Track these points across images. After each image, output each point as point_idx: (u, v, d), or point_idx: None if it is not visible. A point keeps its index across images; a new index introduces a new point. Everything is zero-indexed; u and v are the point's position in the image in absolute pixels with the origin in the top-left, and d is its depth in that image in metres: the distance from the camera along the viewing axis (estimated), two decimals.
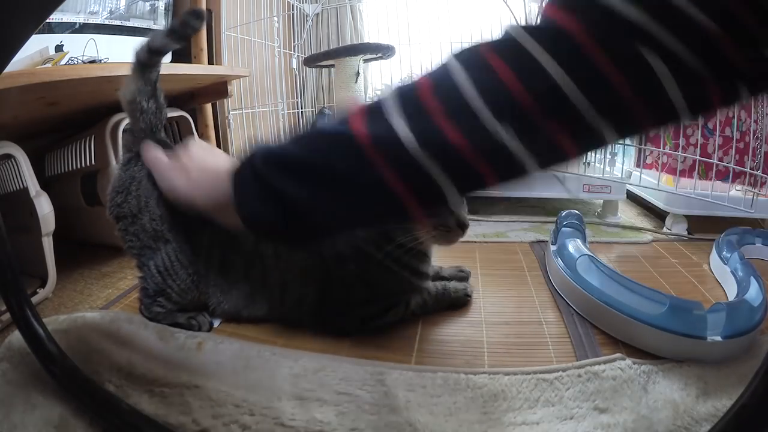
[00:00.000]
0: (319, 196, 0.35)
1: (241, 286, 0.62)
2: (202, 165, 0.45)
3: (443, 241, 0.58)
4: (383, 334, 0.61)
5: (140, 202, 0.59)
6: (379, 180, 0.33)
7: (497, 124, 0.30)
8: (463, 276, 0.76)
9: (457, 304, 0.67)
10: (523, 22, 0.32)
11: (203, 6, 1.27)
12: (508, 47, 0.31)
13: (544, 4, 0.34)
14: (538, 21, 0.32)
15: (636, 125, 0.32)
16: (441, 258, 0.80)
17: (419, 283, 0.63)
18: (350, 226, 0.40)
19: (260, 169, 0.37)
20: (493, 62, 0.31)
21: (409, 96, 0.33)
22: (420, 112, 0.32)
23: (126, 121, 0.88)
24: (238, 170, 0.39)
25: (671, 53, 0.28)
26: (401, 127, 0.32)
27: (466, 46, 0.34)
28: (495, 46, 0.32)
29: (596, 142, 0.32)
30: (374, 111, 0.33)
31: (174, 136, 1.12)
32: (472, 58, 0.32)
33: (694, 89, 0.30)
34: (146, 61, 0.58)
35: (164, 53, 0.58)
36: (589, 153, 0.32)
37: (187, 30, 0.56)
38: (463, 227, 0.57)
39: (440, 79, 0.33)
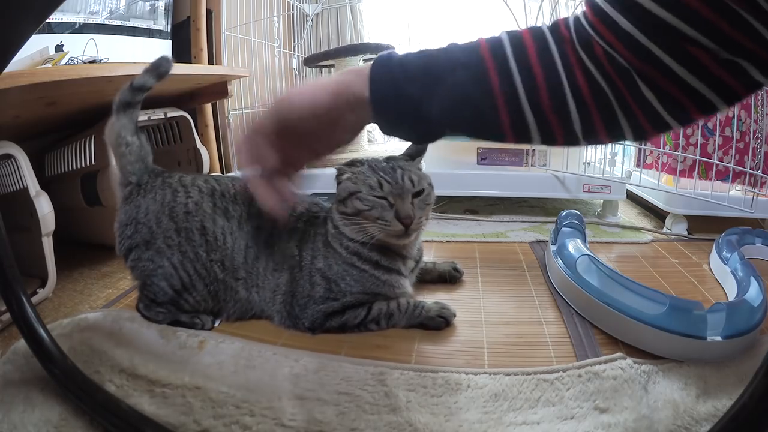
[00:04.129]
0: (445, 101, 0.40)
1: (242, 281, 0.62)
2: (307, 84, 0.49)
3: (387, 234, 0.57)
4: (383, 334, 0.61)
5: (151, 227, 0.59)
6: (493, 101, 0.39)
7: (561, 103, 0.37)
8: (456, 275, 0.77)
9: (430, 325, 0.61)
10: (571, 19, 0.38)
11: (203, 7, 1.27)
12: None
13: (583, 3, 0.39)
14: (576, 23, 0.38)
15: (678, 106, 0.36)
16: (441, 257, 0.81)
17: (386, 278, 0.61)
18: (457, 127, 0.44)
19: (398, 76, 0.41)
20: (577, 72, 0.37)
21: (520, 53, 0.39)
22: (527, 72, 0.38)
23: None
24: (374, 72, 0.42)
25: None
26: (517, 78, 0.38)
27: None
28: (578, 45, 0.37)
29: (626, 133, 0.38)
30: (498, 54, 0.39)
31: (174, 136, 1.12)
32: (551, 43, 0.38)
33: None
34: (130, 99, 0.61)
35: (145, 90, 0.61)
36: (570, 144, 0.42)
37: (161, 69, 0.62)
38: (400, 218, 0.56)
39: (541, 43, 0.39)
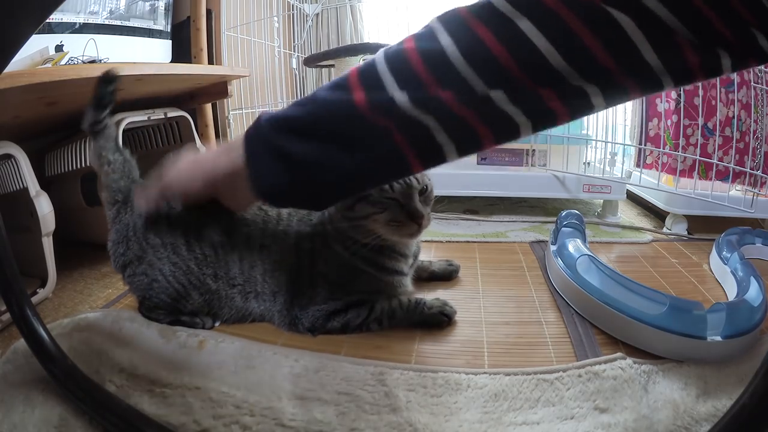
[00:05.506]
0: (325, 153, 0.37)
1: (239, 288, 0.62)
2: (193, 157, 0.48)
3: (400, 235, 0.57)
4: (383, 334, 0.61)
5: (141, 243, 0.59)
6: (382, 136, 0.35)
7: (490, 91, 0.32)
8: (452, 269, 0.77)
9: (432, 322, 0.62)
10: None
11: (203, 7, 1.27)
12: (488, 13, 0.32)
13: None
14: None
15: (619, 89, 0.33)
16: (441, 257, 0.80)
17: (388, 279, 0.62)
18: (354, 182, 0.41)
19: (267, 133, 0.39)
20: (478, 30, 0.32)
21: (401, 65, 0.35)
22: (415, 84, 0.34)
23: (126, 121, 0.88)
24: (248, 134, 0.41)
25: (643, 11, 0.29)
26: (400, 97, 0.34)
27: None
28: (477, 12, 0.33)
29: (585, 105, 0.34)
30: (372, 80, 0.35)
31: (174, 136, 1.12)
32: (457, 23, 0.34)
33: (670, 52, 0.30)
34: (95, 118, 0.61)
35: (102, 121, 0.62)
36: (580, 115, 0.36)
37: (104, 97, 0.60)
38: (414, 218, 0.56)
39: (428, 48, 0.34)
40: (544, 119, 0.35)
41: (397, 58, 0.35)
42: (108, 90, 0.60)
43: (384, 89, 0.35)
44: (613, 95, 0.34)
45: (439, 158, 0.37)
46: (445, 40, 0.33)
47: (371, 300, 0.61)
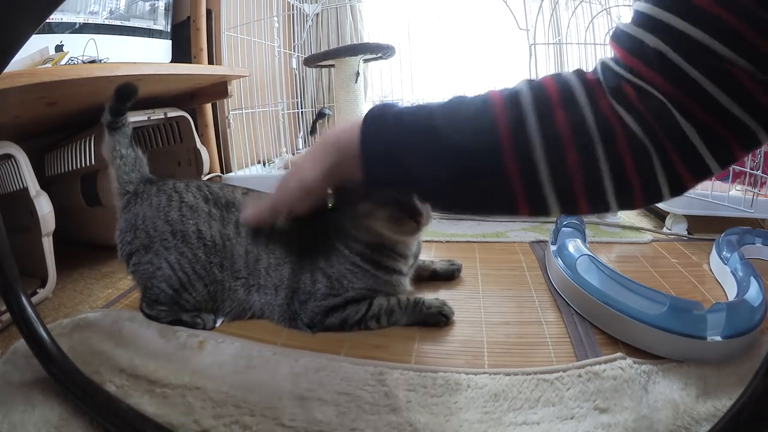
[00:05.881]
0: (444, 176, 0.36)
1: (243, 281, 0.62)
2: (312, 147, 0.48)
3: (400, 233, 0.58)
4: (383, 334, 0.61)
5: (149, 231, 0.60)
6: (501, 168, 0.34)
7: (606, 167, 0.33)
8: (454, 268, 0.77)
9: (430, 321, 0.62)
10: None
11: (203, 7, 1.27)
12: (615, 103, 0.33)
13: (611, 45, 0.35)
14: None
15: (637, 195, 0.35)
16: (441, 257, 0.80)
17: (387, 278, 0.62)
18: (454, 207, 0.41)
19: (388, 128, 0.38)
20: (613, 123, 0.32)
21: (543, 110, 0.34)
22: (551, 135, 0.33)
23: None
24: (368, 119, 0.40)
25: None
26: (537, 145, 0.33)
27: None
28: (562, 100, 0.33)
29: (605, 207, 0.35)
30: (516, 114, 0.34)
31: (174, 136, 1.12)
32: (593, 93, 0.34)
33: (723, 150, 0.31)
34: (112, 126, 0.64)
35: (119, 121, 0.65)
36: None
37: (121, 108, 0.64)
38: (413, 215, 0.56)
39: (569, 99, 0.34)
40: (571, 209, 0.36)
41: (541, 99, 0.34)
42: (125, 105, 0.63)
43: (528, 139, 0.33)
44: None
45: (542, 214, 0.36)
46: (585, 106, 0.33)
47: (369, 297, 0.61)
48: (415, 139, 0.37)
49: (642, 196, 0.34)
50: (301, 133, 1.75)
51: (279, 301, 0.62)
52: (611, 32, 0.35)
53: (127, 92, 0.62)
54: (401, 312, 0.62)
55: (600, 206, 0.35)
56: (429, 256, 0.90)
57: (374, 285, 0.62)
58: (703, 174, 0.33)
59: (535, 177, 0.34)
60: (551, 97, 0.34)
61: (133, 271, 0.62)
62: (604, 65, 0.34)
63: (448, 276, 0.77)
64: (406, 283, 0.65)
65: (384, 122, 0.39)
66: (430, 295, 0.67)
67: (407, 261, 0.65)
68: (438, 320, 0.62)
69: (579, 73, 0.35)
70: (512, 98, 0.35)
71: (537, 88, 0.35)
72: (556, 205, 0.34)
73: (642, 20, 0.31)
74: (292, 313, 0.61)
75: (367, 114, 0.40)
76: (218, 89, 1.18)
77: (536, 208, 0.35)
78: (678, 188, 0.34)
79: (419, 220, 0.56)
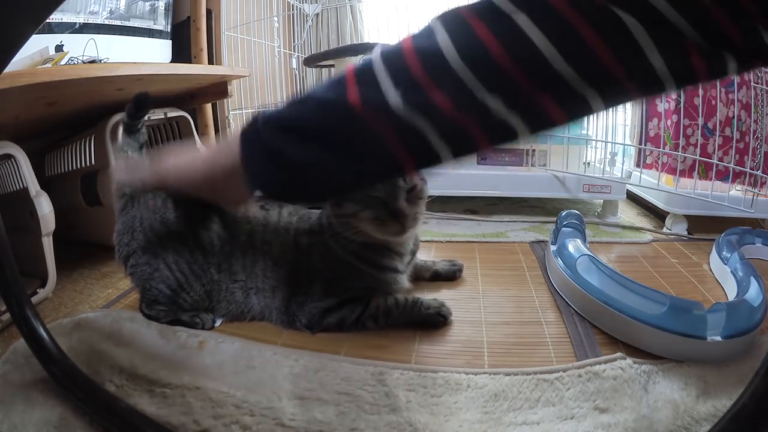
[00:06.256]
0: (317, 154, 0.37)
1: (240, 283, 0.62)
2: (191, 155, 0.49)
3: (384, 233, 0.57)
4: (383, 334, 0.61)
5: (146, 232, 0.61)
6: (376, 137, 0.34)
7: (486, 93, 0.31)
8: (455, 269, 0.77)
9: (429, 322, 0.62)
10: None
11: (203, 7, 1.27)
12: (489, 11, 0.31)
13: None
14: None
15: (621, 92, 0.32)
16: (441, 258, 0.80)
17: (383, 277, 0.62)
18: (345, 182, 0.40)
19: (261, 132, 0.39)
20: (478, 29, 0.31)
21: (397, 64, 0.33)
22: (411, 84, 0.32)
23: None
24: (243, 132, 0.41)
25: (652, 12, 0.28)
26: (394, 97, 0.33)
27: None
28: (477, 11, 0.32)
29: (584, 110, 0.32)
30: (367, 79, 0.34)
31: (174, 136, 1.12)
32: (456, 22, 0.32)
33: (676, 55, 0.29)
34: (128, 129, 0.67)
35: (135, 125, 0.67)
36: (578, 119, 0.34)
37: (137, 116, 0.66)
38: (397, 217, 0.55)
39: (426, 47, 0.33)
40: (542, 125, 0.34)
41: (394, 57, 0.34)
42: (141, 113, 0.66)
43: (379, 89, 0.33)
44: (614, 99, 0.33)
45: (433, 162, 0.36)
46: (443, 39, 0.32)
47: (366, 296, 0.61)
48: (284, 126, 0.38)
49: (633, 86, 0.31)
50: None
51: (277, 303, 0.62)
52: None
53: (143, 101, 0.65)
54: (398, 312, 0.61)
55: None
56: (429, 256, 0.90)
57: (370, 284, 0.62)
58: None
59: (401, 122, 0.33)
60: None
61: (131, 272, 0.62)
62: None
63: (449, 276, 0.77)
64: (404, 280, 0.65)
65: (255, 126, 0.40)
66: (431, 295, 0.67)
67: (403, 259, 0.65)
68: (436, 321, 0.62)
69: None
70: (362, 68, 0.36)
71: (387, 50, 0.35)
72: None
73: None
74: (290, 316, 0.61)
75: (240, 134, 0.41)
76: (218, 89, 1.18)
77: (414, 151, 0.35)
78: (687, 73, 0.31)
79: (403, 222, 0.56)
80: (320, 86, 0.38)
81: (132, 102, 0.65)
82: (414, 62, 0.33)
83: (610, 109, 0.34)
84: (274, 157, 0.39)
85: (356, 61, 1.39)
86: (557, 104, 0.32)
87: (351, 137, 0.36)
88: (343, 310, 0.60)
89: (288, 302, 0.61)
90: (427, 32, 0.33)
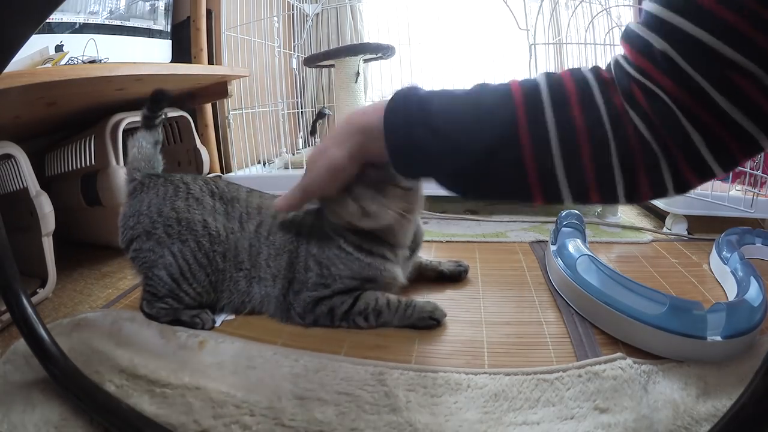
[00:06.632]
0: (461, 159, 0.38)
1: (245, 272, 0.64)
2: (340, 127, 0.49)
3: (350, 216, 0.56)
4: (383, 334, 0.61)
5: (153, 217, 0.61)
6: (519, 161, 0.36)
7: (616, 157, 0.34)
8: (461, 270, 0.77)
9: (420, 325, 0.61)
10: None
11: (203, 7, 1.27)
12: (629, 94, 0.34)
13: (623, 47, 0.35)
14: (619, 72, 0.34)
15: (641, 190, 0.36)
16: (441, 257, 0.80)
17: (369, 261, 0.61)
18: (471, 189, 0.42)
19: (412, 114, 0.39)
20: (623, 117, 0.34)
21: (558, 100, 0.35)
22: (567, 129, 0.34)
23: (126, 121, 0.88)
24: (393, 101, 0.41)
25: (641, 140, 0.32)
26: (553, 134, 0.35)
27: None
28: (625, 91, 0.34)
29: (615, 197, 0.36)
30: (533, 103, 0.36)
31: (174, 136, 1.12)
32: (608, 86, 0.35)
33: (657, 174, 0.34)
34: (146, 123, 0.68)
35: (153, 120, 0.68)
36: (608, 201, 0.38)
37: (155, 113, 0.68)
38: (355, 198, 0.54)
39: (582, 92, 0.35)
40: (583, 199, 0.37)
41: (557, 90, 0.36)
42: (159, 108, 0.68)
43: (540, 113, 0.35)
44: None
45: (557, 201, 0.38)
46: (598, 95, 0.35)
47: (358, 289, 0.62)
48: (438, 126, 0.38)
49: (649, 192, 0.35)
50: (301, 133, 1.75)
51: (276, 291, 0.63)
52: (623, 31, 0.36)
53: (159, 98, 0.67)
54: (390, 313, 0.61)
55: (610, 199, 0.36)
56: (429, 256, 0.90)
57: (359, 270, 0.61)
58: (707, 175, 0.34)
59: (551, 169, 0.35)
60: (569, 92, 0.35)
61: (133, 257, 0.63)
62: (616, 64, 0.35)
63: (454, 277, 0.77)
64: (396, 272, 0.64)
65: (408, 105, 0.40)
66: (433, 295, 0.67)
67: (395, 250, 0.64)
68: (429, 324, 0.61)
69: (595, 70, 0.37)
70: (532, 92, 0.36)
71: (556, 83, 0.36)
72: (569, 196, 0.36)
73: (650, 21, 0.32)
74: (287, 305, 0.62)
75: (392, 96, 0.41)
76: (218, 89, 1.18)
77: (550, 198, 0.37)
78: (682, 187, 0.35)
79: (361, 205, 0.54)
80: (488, 91, 0.38)
81: (149, 99, 0.67)
82: (575, 105, 0.35)
83: None
84: (416, 146, 0.39)
85: (357, 61, 1.39)
86: (649, 184, 0.35)
87: (501, 146, 0.36)
88: (333, 299, 0.61)
89: (286, 291, 0.62)
90: (586, 80, 0.36)
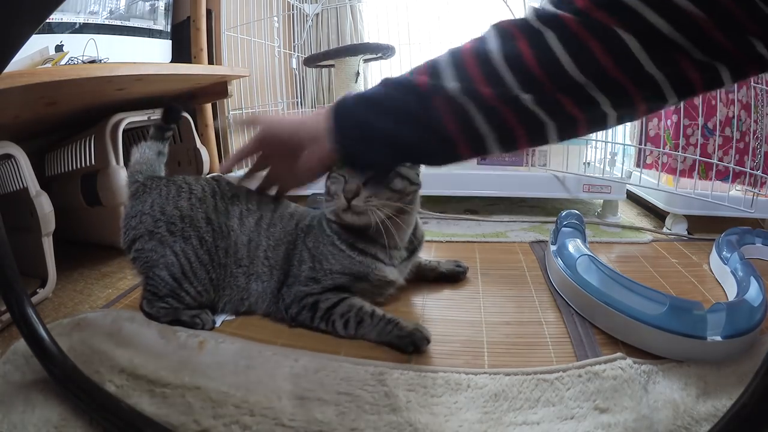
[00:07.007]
0: (393, 124, 0.46)
1: (244, 269, 0.64)
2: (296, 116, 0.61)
3: (338, 209, 0.60)
4: None
5: (155, 216, 0.62)
6: (437, 114, 0.43)
7: (520, 91, 0.40)
8: (460, 270, 0.78)
9: (398, 345, 0.56)
10: (535, 6, 0.41)
11: (203, 7, 1.27)
12: (527, 28, 0.40)
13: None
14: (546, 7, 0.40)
15: (627, 99, 0.39)
16: (441, 257, 0.80)
17: (360, 259, 0.62)
18: (410, 152, 0.49)
19: (352, 105, 0.49)
20: (519, 42, 0.40)
21: (457, 61, 0.43)
22: (465, 76, 0.42)
23: (126, 121, 0.88)
24: (336, 106, 0.51)
25: (648, 28, 0.34)
26: (451, 84, 0.42)
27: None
28: (519, 26, 0.41)
29: (599, 114, 0.40)
30: (433, 70, 0.44)
31: (174, 136, 1.12)
32: (504, 34, 0.41)
33: (670, 65, 0.35)
34: (158, 133, 0.70)
35: (165, 133, 0.71)
36: (596, 125, 0.43)
37: (167, 127, 0.71)
38: (345, 194, 0.59)
39: (480, 48, 0.42)
40: (566, 123, 0.42)
41: (456, 55, 0.43)
42: (171, 124, 0.71)
43: (440, 77, 0.43)
44: (622, 105, 0.40)
45: (482, 147, 0.44)
46: (493, 46, 0.41)
47: (346, 288, 0.62)
48: (378, 102, 0.47)
49: (641, 101, 0.39)
50: None
51: (272, 285, 0.63)
52: None
53: (173, 110, 0.70)
54: (371, 325, 0.58)
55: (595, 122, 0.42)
56: (429, 255, 0.90)
57: (350, 266, 0.62)
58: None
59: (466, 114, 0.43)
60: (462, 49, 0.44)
61: (134, 257, 0.63)
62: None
63: (453, 278, 0.77)
64: (387, 272, 0.63)
65: (347, 100, 0.50)
66: (432, 295, 0.67)
67: (389, 251, 0.64)
68: (405, 346, 0.56)
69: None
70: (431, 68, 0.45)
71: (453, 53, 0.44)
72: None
73: None
74: (280, 298, 0.63)
75: (334, 105, 0.50)
76: (218, 89, 1.18)
77: (474, 142, 0.44)
78: (686, 89, 0.38)
79: (349, 198, 0.58)
80: (402, 75, 0.47)
81: (163, 111, 0.70)
82: (470, 60, 0.42)
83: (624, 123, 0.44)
84: (358, 125, 0.48)
85: (357, 61, 1.39)
86: (575, 104, 0.40)
87: (417, 111, 0.44)
88: (321, 296, 0.61)
89: (281, 284, 0.63)
90: (483, 38, 0.43)
